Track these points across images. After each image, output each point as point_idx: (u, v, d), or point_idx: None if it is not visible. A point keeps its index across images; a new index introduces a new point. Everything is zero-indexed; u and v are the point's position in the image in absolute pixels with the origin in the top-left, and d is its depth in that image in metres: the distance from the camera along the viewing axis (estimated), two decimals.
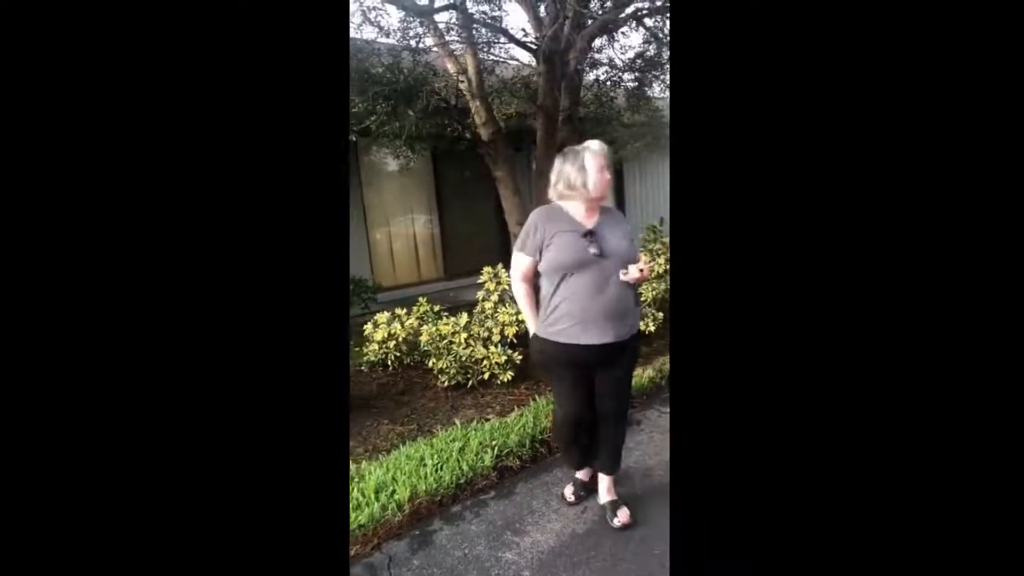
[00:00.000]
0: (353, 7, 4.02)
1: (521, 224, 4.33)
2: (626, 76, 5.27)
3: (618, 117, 5.62)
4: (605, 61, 5.17)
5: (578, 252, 1.72)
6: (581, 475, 2.12)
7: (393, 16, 6.37)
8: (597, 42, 4.77)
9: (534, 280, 1.85)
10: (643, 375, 3.15)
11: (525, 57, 4.77)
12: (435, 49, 4.17)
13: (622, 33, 4.90)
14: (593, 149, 1.79)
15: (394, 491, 2.04)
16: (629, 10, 4.22)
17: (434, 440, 2.44)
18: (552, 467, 2.33)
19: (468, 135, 4.44)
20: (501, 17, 4.08)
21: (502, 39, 4.19)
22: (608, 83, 5.32)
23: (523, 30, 4.75)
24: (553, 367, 1.86)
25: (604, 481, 2.02)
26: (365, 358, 3.60)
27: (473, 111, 4.24)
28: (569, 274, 1.73)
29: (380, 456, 2.40)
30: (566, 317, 1.74)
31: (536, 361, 1.92)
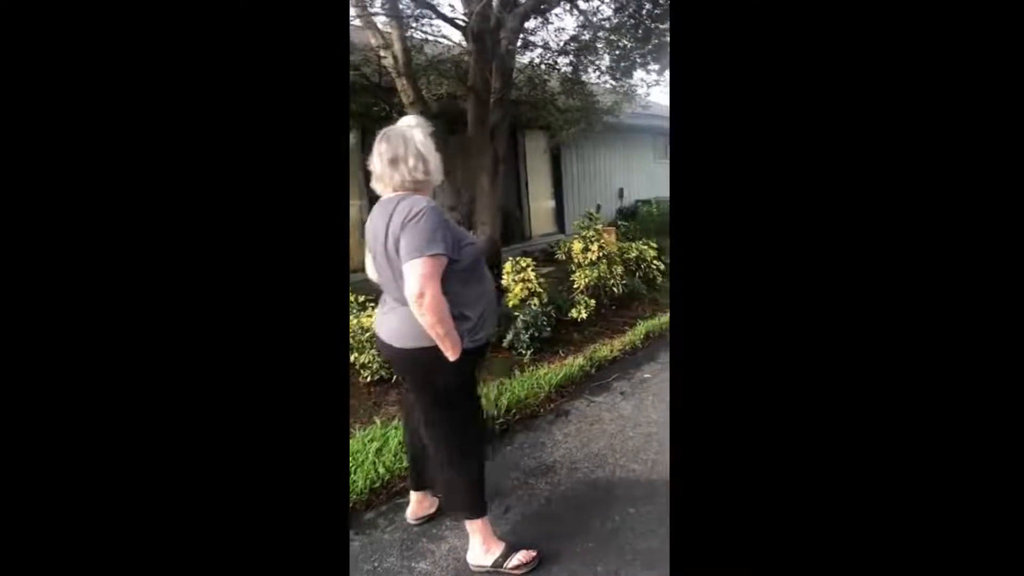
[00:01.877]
0: None
1: (455, 208, 4.19)
2: (561, 60, 5.17)
3: (552, 101, 5.53)
4: (539, 44, 5.06)
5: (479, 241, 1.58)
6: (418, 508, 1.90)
7: None
8: (531, 23, 4.65)
9: None
10: (573, 363, 3.09)
11: (456, 36, 4.58)
12: (356, 21, 3.90)
13: (555, 15, 4.80)
14: (421, 126, 1.53)
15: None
16: None
17: (350, 441, 2.27)
18: None
19: (396, 115, 4.21)
20: None
21: (430, 14, 3.98)
22: (542, 66, 5.21)
23: (451, 6, 4.54)
24: (475, 382, 1.62)
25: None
26: None
27: (400, 89, 4.01)
28: (480, 268, 1.55)
29: None
30: (491, 315, 1.57)
31: (462, 383, 1.54)
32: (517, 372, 3.05)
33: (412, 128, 1.53)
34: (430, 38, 4.51)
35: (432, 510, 1.88)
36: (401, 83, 3.97)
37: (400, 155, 1.48)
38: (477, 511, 1.61)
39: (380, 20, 4.00)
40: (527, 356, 3.34)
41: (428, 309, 1.40)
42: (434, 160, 1.52)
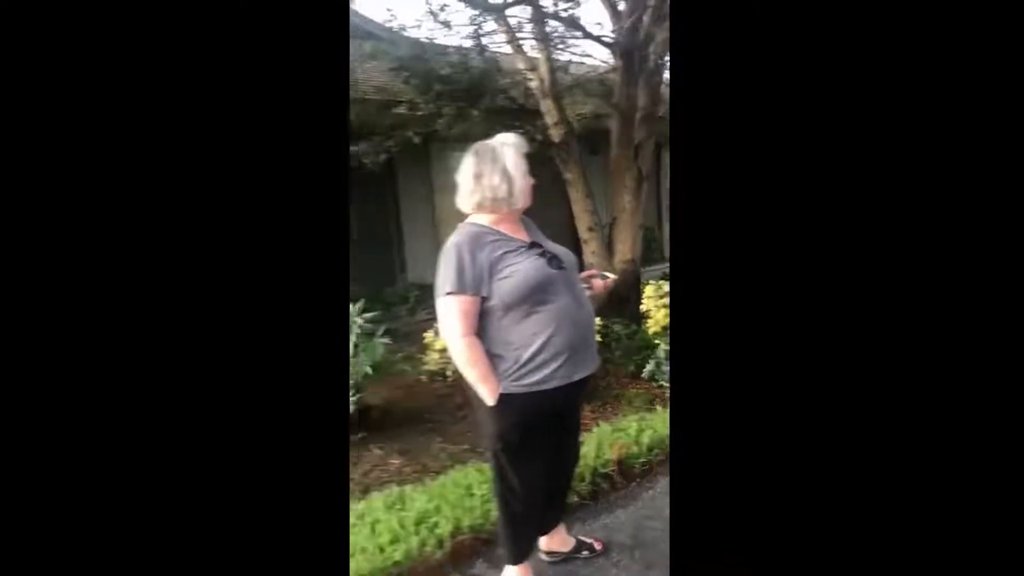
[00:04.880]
0: (422, 6, 3.95)
1: (593, 229, 4.09)
2: None
3: None
4: None
5: (541, 270, 1.39)
6: (550, 541, 1.77)
7: (463, 14, 6.32)
8: None
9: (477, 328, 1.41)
10: None
11: (602, 54, 4.51)
12: (506, 47, 4.01)
13: None
14: (515, 146, 1.44)
15: (436, 524, 1.87)
16: None
17: (485, 465, 2.26)
18: (615, 506, 2.08)
19: (539, 137, 4.25)
20: (575, 11, 3.85)
21: (576, 34, 3.96)
22: None
23: (599, 23, 4.49)
24: (531, 427, 1.43)
25: (560, 528, 1.77)
26: (425, 367, 3.50)
27: (544, 111, 4.03)
28: (538, 302, 1.38)
29: (428, 480, 2.25)
30: (558, 355, 1.39)
31: (505, 429, 1.43)
32: (659, 407, 2.84)
33: (505, 145, 1.44)
34: (575, 58, 4.49)
35: (566, 548, 1.78)
36: (546, 104, 3.99)
37: (485, 171, 1.41)
38: (511, 558, 1.60)
39: (528, 44, 4.06)
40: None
41: (453, 352, 1.38)
42: (521, 182, 1.43)
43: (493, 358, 1.41)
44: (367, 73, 4.52)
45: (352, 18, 4.45)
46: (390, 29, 4.31)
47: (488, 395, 1.40)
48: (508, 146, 1.44)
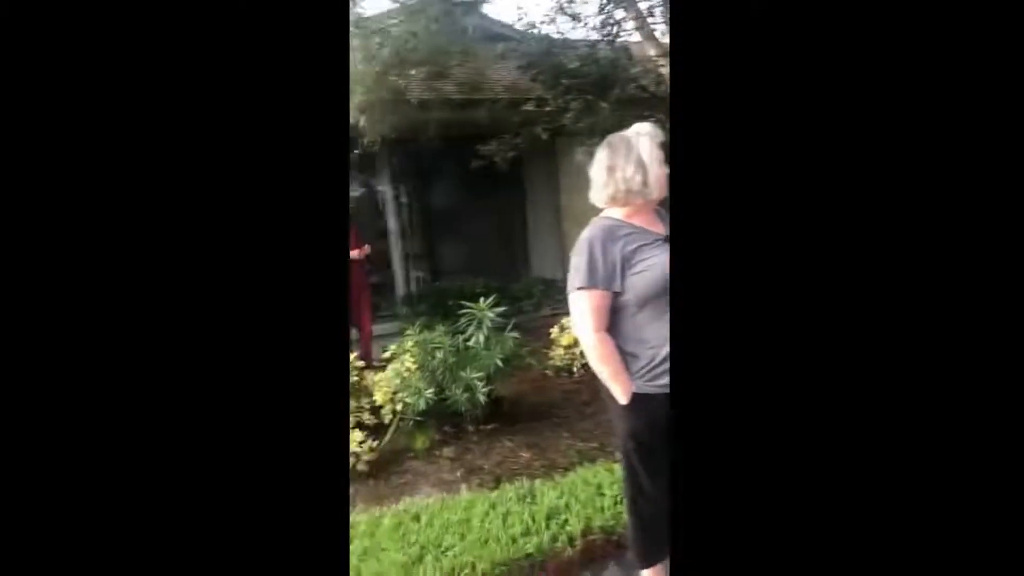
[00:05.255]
0: (551, 3, 3.95)
1: None
2: None
3: None
4: None
5: None
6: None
7: (592, 4, 6.21)
8: None
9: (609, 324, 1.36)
10: None
11: None
12: (635, 35, 3.88)
13: None
14: (650, 135, 1.35)
15: (567, 520, 1.87)
16: None
17: (615, 465, 2.21)
18: None
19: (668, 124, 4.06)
20: None
21: None
22: None
23: None
24: (664, 431, 1.31)
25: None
26: (551, 362, 3.52)
27: None
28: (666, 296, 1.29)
29: (556, 475, 2.26)
30: None
31: (637, 430, 1.37)
32: None
33: (640, 136, 1.37)
34: None
35: None
36: None
37: (619, 163, 1.35)
38: (640, 561, 1.53)
39: (659, 31, 3.89)
40: None
41: (585, 348, 1.37)
42: (657, 172, 1.34)
43: (627, 356, 1.36)
44: (497, 73, 4.64)
45: (481, 22, 4.60)
46: (520, 29, 4.37)
47: (621, 393, 1.36)
48: (643, 136, 1.38)
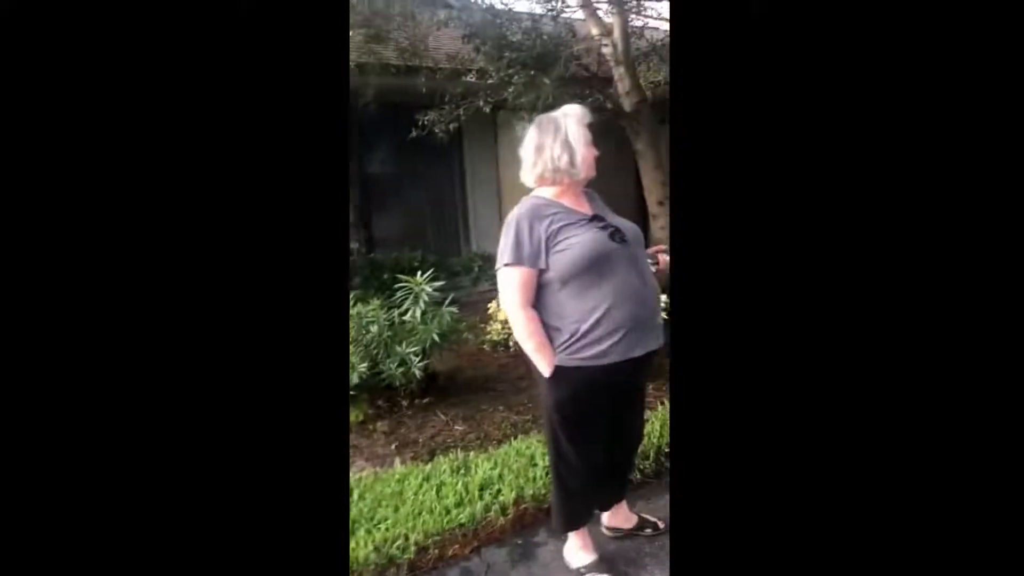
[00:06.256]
0: None
1: (663, 203, 3.95)
2: None
3: None
4: None
5: (600, 244, 1.36)
6: (612, 517, 1.80)
7: None
8: None
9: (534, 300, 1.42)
10: None
11: None
12: (579, 12, 3.87)
13: None
14: (577, 117, 1.41)
15: (499, 491, 1.92)
16: None
17: None
18: None
19: (609, 105, 4.11)
20: None
21: None
22: None
23: None
24: (588, 401, 1.44)
25: (622, 505, 1.78)
26: (488, 336, 3.55)
27: (616, 79, 3.89)
28: (596, 275, 1.37)
29: (490, 447, 2.30)
30: (616, 330, 1.37)
31: (560, 402, 1.44)
32: None
33: (567, 116, 1.43)
34: (651, 22, 4.28)
35: (628, 525, 1.80)
36: (619, 72, 3.84)
37: (546, 143, 1.41)
38: (561, 526, 1.65)
39: (603, 9, 3.90)
40: None
41: (512, 324, 1.43)
42: (583, 152, 1.41)
43: (551, 330, 1.42)
44: (438, 41, 4.50)
45: None
46: None
47: (544, 366, 1.42)
48: (570, 116, 1.43)
